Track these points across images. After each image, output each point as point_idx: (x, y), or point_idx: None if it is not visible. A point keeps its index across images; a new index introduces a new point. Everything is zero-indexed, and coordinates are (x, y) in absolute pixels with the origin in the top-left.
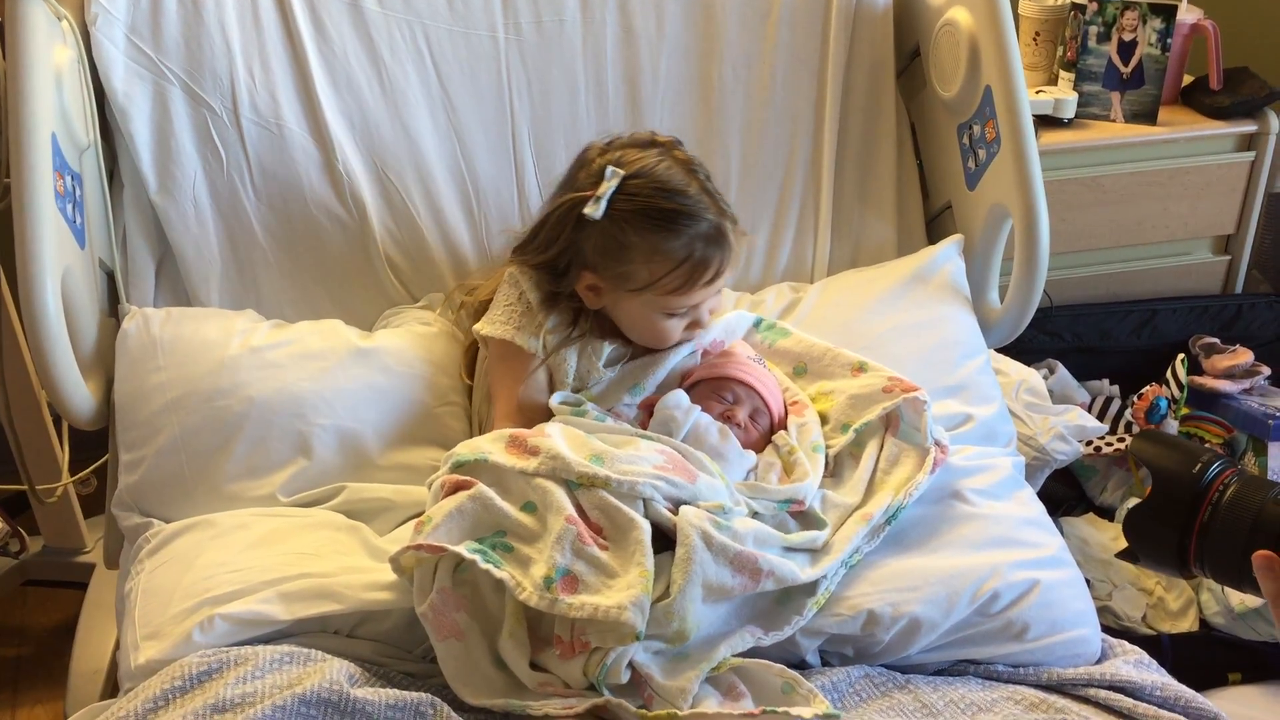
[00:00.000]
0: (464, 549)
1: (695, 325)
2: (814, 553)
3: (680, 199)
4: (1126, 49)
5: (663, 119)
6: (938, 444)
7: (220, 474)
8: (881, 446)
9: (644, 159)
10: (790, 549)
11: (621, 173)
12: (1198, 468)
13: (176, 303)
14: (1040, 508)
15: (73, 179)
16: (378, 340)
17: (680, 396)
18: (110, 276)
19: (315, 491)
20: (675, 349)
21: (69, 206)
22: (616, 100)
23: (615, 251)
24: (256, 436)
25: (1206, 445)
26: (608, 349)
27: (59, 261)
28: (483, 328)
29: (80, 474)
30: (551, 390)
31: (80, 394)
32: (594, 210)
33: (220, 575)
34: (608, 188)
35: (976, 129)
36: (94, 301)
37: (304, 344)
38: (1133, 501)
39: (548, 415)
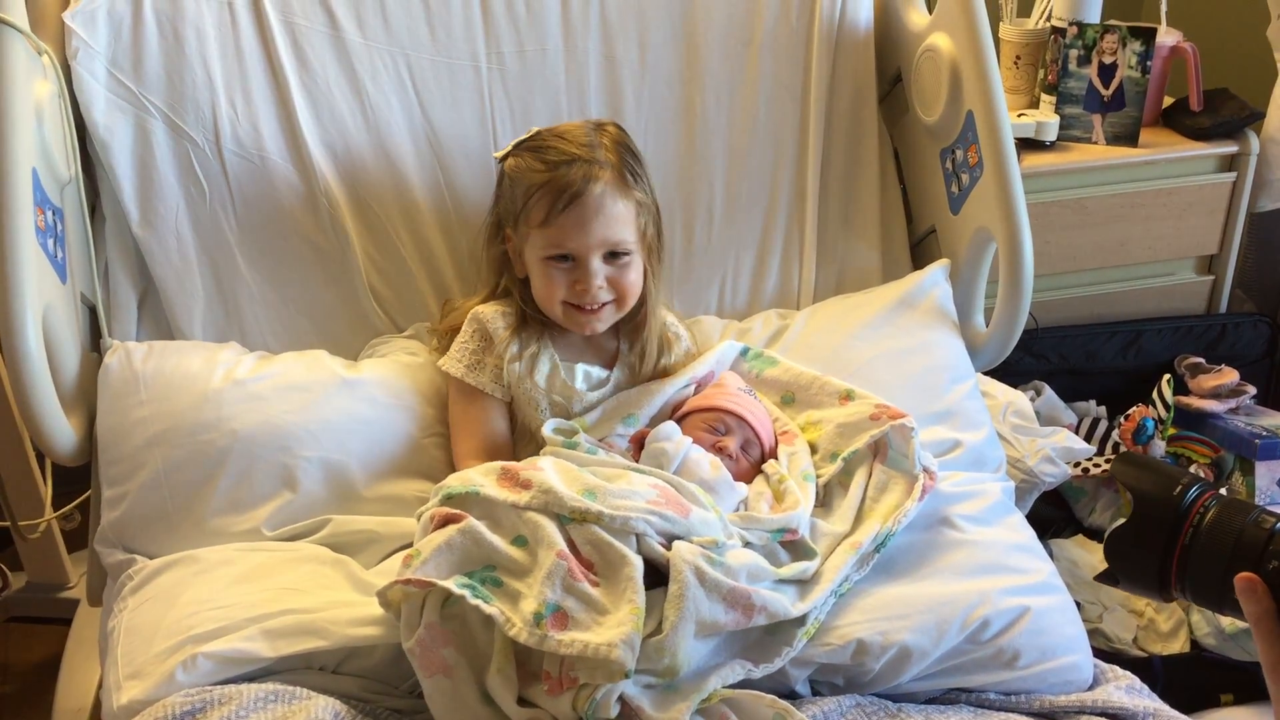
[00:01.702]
0: (453, 584)
1: (581, 285)
2: (804, 583)
3: (569, 141)
4: (1107, 72)
5: (646, 146)
6: (926, 471)
7: (204, 508)
8: (870, 474)
9: (567, 123)
10: (782, 580)
11: (536, 129)
12: (1177, 490)
13: (159, 336)
14: (1030, 533)
15: (54, 213)
16: (363, 371)
17: (671, 429)
18: (92, 311)
19: (300, 525)
20: (671, 380)
21: (50, 241)
22: None
23: (508, 187)
24: (240, 470)
25: (1194, 465)
26: (581, 370)
27: (40, 297)
28: (443, 363)
29: (64, 509)
30: (518, 425)
31: (62, 430)
32: (501, 153)
33: (203, 612)
34: (520, 138)
35: (959, 154)
36: (75, 336)
37: (288, 376)
38: (1121, 523)
39: (508, 455)
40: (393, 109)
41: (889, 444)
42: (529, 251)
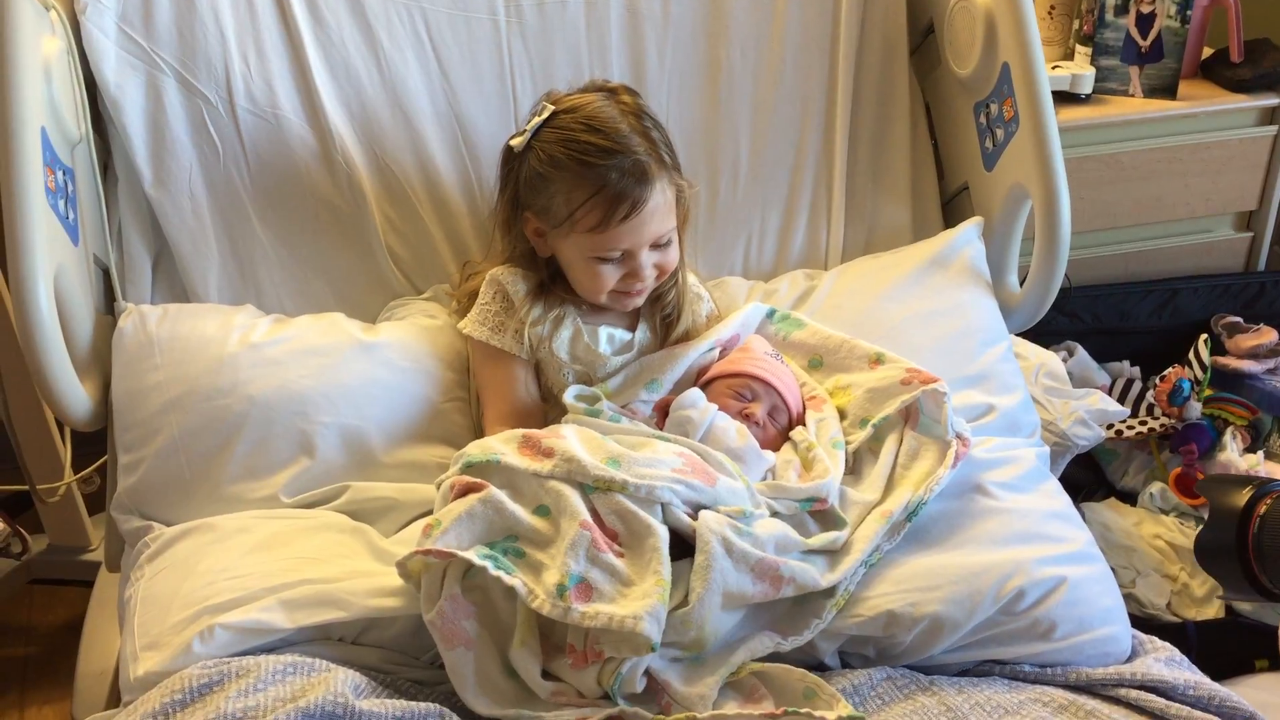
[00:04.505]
0: (474, 555)
1: (633, 276)
2: (833, 553)
3: (602, 133)
4: (1145, 22)
5: (669, 102)
6: (959, 437)
7: (221, 475)
8: (901, 441)
9: (583, 99)
10: (811, 551)
11: (551, 107)
12: (1244, 492)
13: (174, 299)
14: (1066, 500)
15: (65, 174)
16: (381, 334)
17: (696, 396)
18: (106, 273)
19: (318, 492)
20: (694, 344)
21: (61, 202)
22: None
23: (536, 183)
24: (257, 436)
25: (1231, 427)
26: (605, 332)
27: (51, 260)
28: (464, 326)
29: (83, 472)
30: (543, 387)
31: (76, 395)
32: (519, 141)
33: (220, 582)
34: (536, 121)
35: (994, 108)
36: (89, 299)
37: (305, 339)
38: (1156, 485)
39: (539, 418)
40: (409, 65)
41: (920, 409)
42: (569, 250)
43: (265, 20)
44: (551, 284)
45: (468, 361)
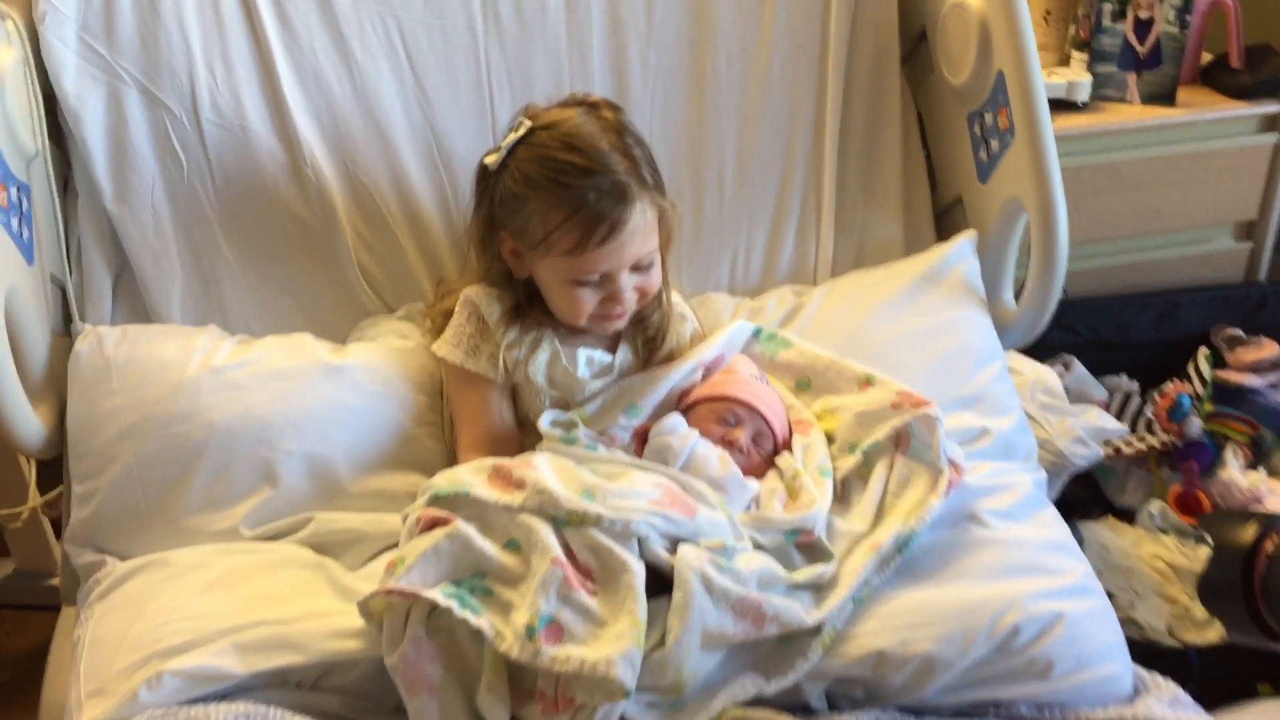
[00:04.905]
0: (439, 594)
1: (612, 300)
2: (820, 588)
3: (580, 152)
4: (1143, 27)
5: (652, 112)
6: (952, 463)
7: (179, 506)
8: (891, 467)
9: (561, 114)
10: (796, 585)
11: (529, 123)
12: (1248, 529)
13: (136, 319)
14: (1064, 528)
15: (18, 190)
16: (349, 356)
17: (676, 421)
18: (65, 292)
19: (281, 523)
20: (675, 367)
21: (14, 220)
22: (602, 94)
23: (512, 203)
24: (217, 465)
25: (1231, 443)
26: (584, 354)
27: (2, 280)
28: (437, 348)
29: (47, 496)
30: (520, 412)
31: (27, 421)
32: (493, 160)
33: (171, 624)
34: (512, 138)
35: (988, 118)
36: (44, 321)
37: (269, 362)
38: (1155, 503)
39: (515, 444)
40: (383, 75)
41: (911, 434)
42: (546, 272)
43: (232, 28)
44: (528, 305)
45: (441, 384)
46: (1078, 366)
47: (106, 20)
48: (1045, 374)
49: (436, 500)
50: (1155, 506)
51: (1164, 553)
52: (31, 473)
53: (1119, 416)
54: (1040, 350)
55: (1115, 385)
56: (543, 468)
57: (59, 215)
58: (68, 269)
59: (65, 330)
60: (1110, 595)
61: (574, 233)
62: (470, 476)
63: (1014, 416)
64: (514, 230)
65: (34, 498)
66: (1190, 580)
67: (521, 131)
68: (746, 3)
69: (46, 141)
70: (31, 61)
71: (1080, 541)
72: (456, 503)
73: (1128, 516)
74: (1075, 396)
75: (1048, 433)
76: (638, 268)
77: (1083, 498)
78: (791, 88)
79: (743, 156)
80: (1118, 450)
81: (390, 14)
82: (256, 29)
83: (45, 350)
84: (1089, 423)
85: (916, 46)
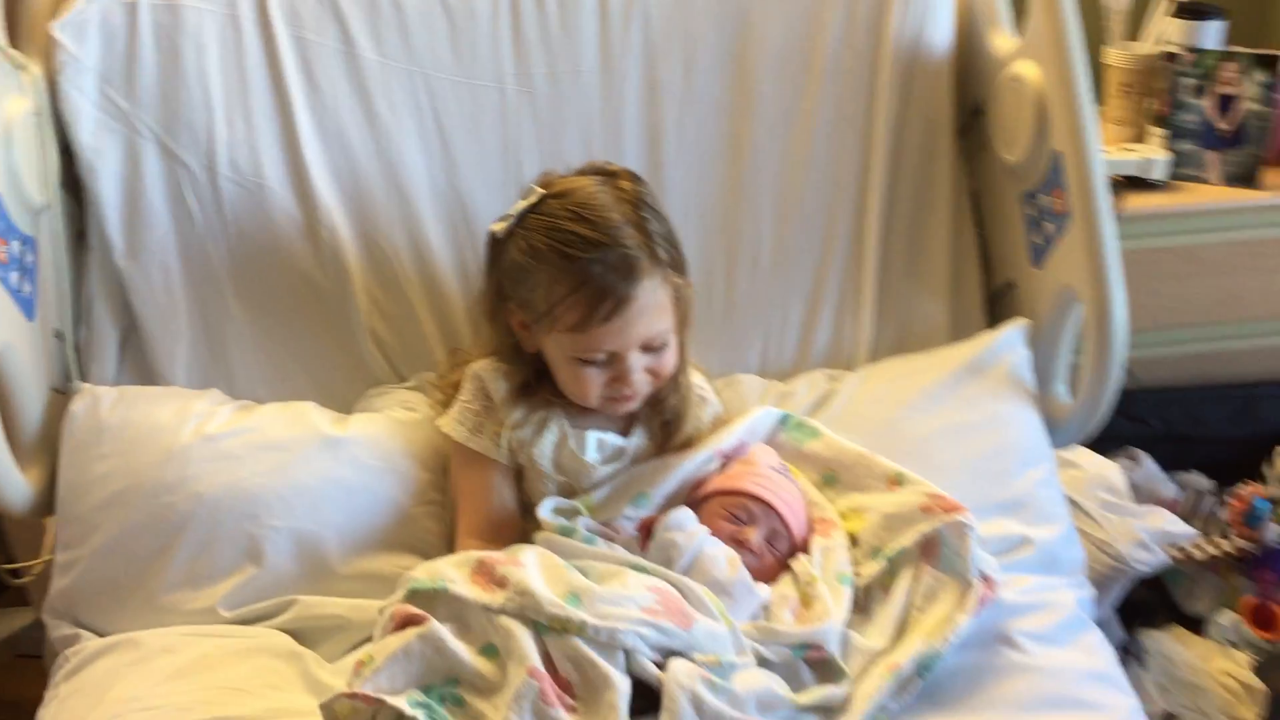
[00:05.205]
0: (405, 702)
1: (620, 381)
2: (829, 711)
3: (589, 223)
4: (1226, 104)
5: (686, 182)
6: (984, 576)
7: (158, 582)
8: (917, 577)
9: (576, 183)
10: (802, 709)
11: (541, 191)
12: None
13: (142, 378)
14: (1109, 655)
15: (22, 243)
16: (350, 428)
17: (685, 517)
18: (72, 348)
19: (261, 605)
20: (689, 454)
21: (14, 275)
22: (635, 162)
23: (518, 274)
24: (201, 539)
25: None
26: (594, 437)
27: None
28: (442, 423)
29: None
30: (525, 496)
31: (13, 482)
32: (501, 228)
33: (128, 715)
34: (521, 206)
35: (1043, 199)
36: (41, 378)
37: (265, 432)
38: (1227, 615)
39: (515, 531)
40: (407, 134)
41: (941, 541)
42: (553, 348)
43: (255, 82)
44: (537, 383)
45: (448, 461)
46: (1147, 461)
47: (128, 72)
48: (1108, 469)
49: (414, 595)
50: (1227, 618)
51: (1235, 670)
52: (51, 523)
53: (1191, 516)
54: (1104, 442)
55: (1187, 482)
56: (529, 565)
57: (69, 269)
58: (74, 324)
59: (66, 387)
60: (1172, 717)
61: (578, 308)
62: (452, 571)
63: (1060, 525)
64: (520, 302)
65: (49, 549)
66: (1264, 703)
67: (532, 199)
68: (790, 70)
69: (59, 194)
70: (48, 113)
71: (1142, 651)
72: (434, 599)
73: (1196, 625)
74: (1144, 494)
75: (1107, 534)
76: (649, 348)
77: (1148, 602)
78: (835, 160)
79: (780, 231)
80: (1187, 554)
81: (419, 72)
82: (279, 84)
83: (41, 408)
84: (1154, 525)
85: (972, 119)
